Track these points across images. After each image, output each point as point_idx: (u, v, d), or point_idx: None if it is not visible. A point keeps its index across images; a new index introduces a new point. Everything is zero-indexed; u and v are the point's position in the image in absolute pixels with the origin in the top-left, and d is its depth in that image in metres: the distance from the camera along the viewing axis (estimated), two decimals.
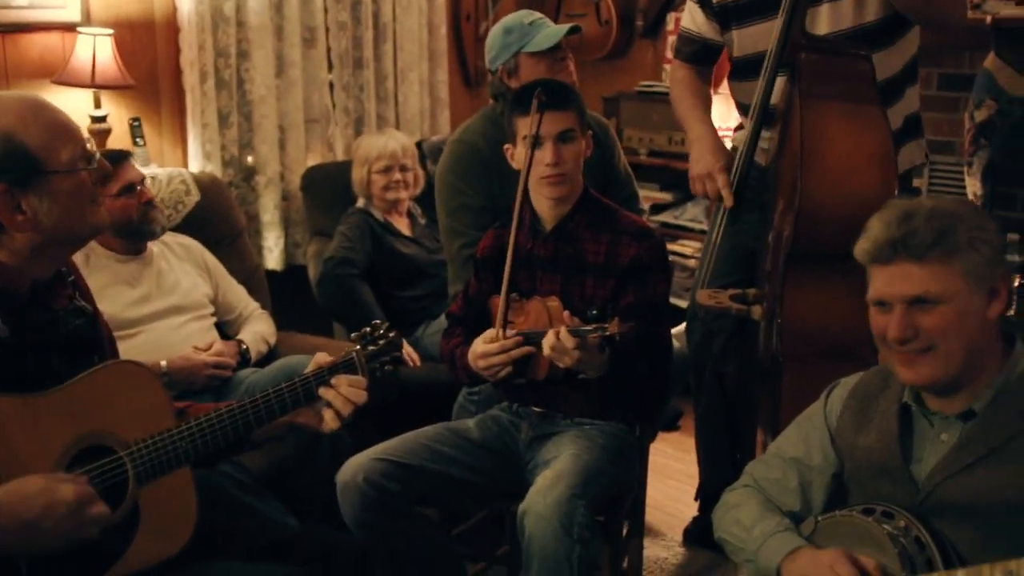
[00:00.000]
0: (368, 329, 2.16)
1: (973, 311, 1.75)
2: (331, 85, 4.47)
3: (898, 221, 1.77)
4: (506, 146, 2.63)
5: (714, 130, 2.98)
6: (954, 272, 1.74)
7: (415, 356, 3.61)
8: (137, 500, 1.85)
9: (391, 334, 2.17)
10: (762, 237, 2.77)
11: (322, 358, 2.09)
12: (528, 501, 2.31)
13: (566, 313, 2.38)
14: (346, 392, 2.03)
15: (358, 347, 2.11)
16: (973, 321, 1.75)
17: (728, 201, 2.74)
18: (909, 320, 1.76)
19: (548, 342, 2.31)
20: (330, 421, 2.04)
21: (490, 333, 2.49)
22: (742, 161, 2.70)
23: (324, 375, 2.05)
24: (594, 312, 2.29)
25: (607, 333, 2.24)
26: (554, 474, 2.36)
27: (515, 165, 2.59)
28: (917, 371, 1.78)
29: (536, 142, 2.48)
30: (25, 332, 1.83)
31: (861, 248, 1.82)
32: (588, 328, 2.27)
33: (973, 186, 3.80)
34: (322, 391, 2.04)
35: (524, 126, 2.51)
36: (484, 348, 2.47)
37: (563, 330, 2.29)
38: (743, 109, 2.99)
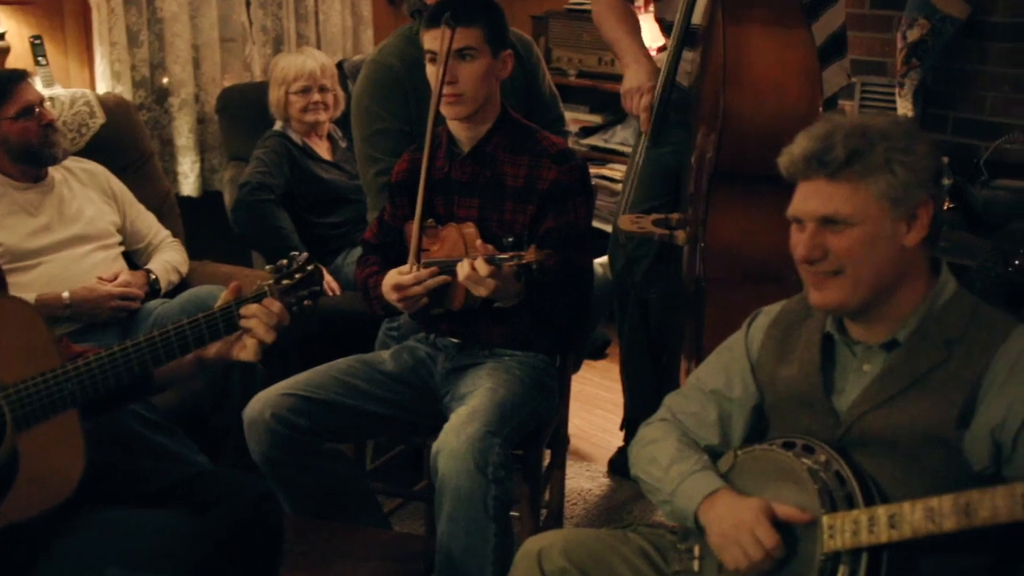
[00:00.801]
0: (285, 261, 2.02)
1: (886, 236, 1.66)
2: (248, 2, 4.27)
3: (819, 136, 1.69)
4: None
5: (646, 51, 2.89)
6: (867, 193, 1.65)
7: (335, 285, 3.50)
8: (16, 447, 1.72)
9: (309, 267, 2.03)
10: (685, 160, 2.69)
11: (227, 294, 1.96)
12: (441, 439, 2.23)
13: (479, 241, 2.28)
14: (264, 316, 1.91)
15: (271, 281, 1.98)
16: (886, 246, 1.67)
17: (643, 125, 2.65)
18: (819, 240, 1.68)
19: (463, 271, 2.21)
20: (250, 350, 1.93)
21: (404, 266, 2.38)
22: (664, 82, 2.61)
23: (231, 308, 1.92)
24: (510, 240, 2.19)
25: (523, 261, 2.15)
26: (468, 410, 2.27)
27: (429, 78, 2.47)
28: (824, 294, 1.71)
29: (434, 58, 2.37)
30: None
31: (782, 161, 1.74)
32: (504, 256, 2.18)
33: (904, 108, 3.74)
34: (242, 323, 1.91)
35: (428, 41, 2.40)
36: (398, 279, 2.37)
37: (479, 259, 2.19)
38: (666, 27, 2.89)
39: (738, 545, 1.69)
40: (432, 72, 2.39)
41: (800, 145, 1.70)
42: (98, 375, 1.79)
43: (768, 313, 1.92)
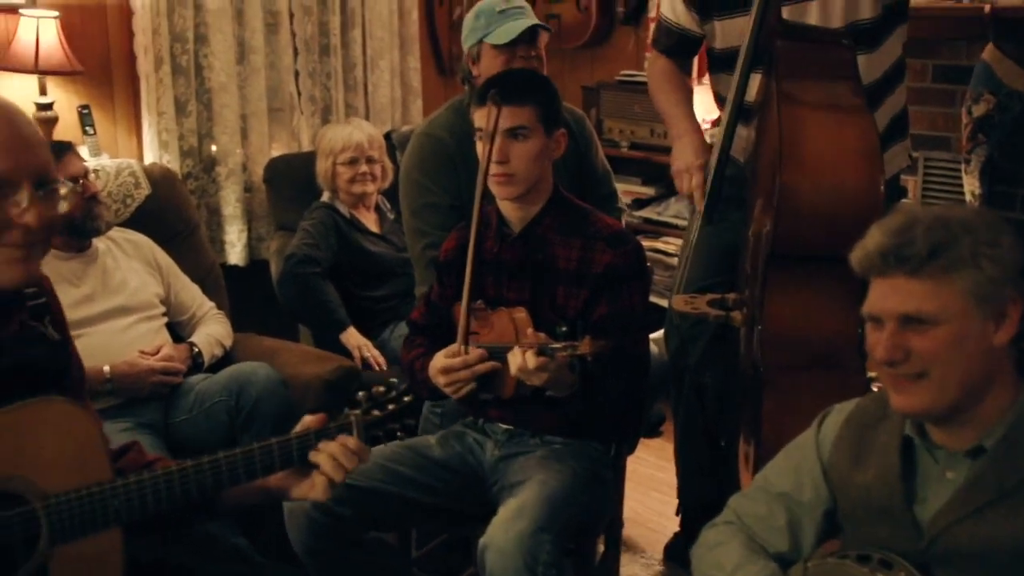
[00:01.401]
0: (382, 389, 1.83)
1: (974, 336, 1.55)
2: (296, 72, 4.26)
3: (897, 229, 1.58)
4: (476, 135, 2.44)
5: (697, 124, 2.82)
6: (953, 290, 1.54)
7: (381, 360, 3.45)
8: (47, 561, 1.58)
9: (406, 399, 1.83)
10: (741, 238, 2.59)
11: (311, 420, 1.79)
12: (490, 534, 2.12)
13: (531, 329, 2.19)
14: (341, 458, 1.72)
15: (358, 411, 1.78)
16: (974, 347, 1.55)
17: (699, 204, 2.57)
18: (900, 340, 1.57)
19: (514, 362, 2.12)
20: (320, 489, 1.74)
21: (453, 347, 2.29)
22: (718, 158, 2.52)
23: (310, 438, 1.74)
24: (563, 329, 2.10)
25: (577, 352, 2.05)
26: (518, 504, 2.17)
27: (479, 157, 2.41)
28: (907, 398, 1.59)
29: (483, 136, 2.31)
30: None
31: (856, 257, 1.63)
32: (557, 347, 2.08)
33: (971, 185, 3.62)
34: (312, 455, 1.73)
35: (477, 119, 2.33)
36: (445, 363, 2.27)
37: (530, 351, 2.10)
38: (721, 101, 2.81)
39: None
40: (481, 149, 2.32)
41: (875, 239, 1.59)
42: (149, 495, 1.64)
43: (841, 411, 1.81)
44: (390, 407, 1.80)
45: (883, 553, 1.62)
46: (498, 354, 2.22)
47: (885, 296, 1.59)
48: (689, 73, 2.97)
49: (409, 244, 3.13)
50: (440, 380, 2.29)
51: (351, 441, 1.73)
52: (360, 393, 1.80)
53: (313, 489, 1.75)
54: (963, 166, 3.64)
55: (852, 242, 1.64)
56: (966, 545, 1.56)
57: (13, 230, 1.52)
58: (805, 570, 1.71)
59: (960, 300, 1.54)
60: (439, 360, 2.30)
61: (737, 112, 2.48)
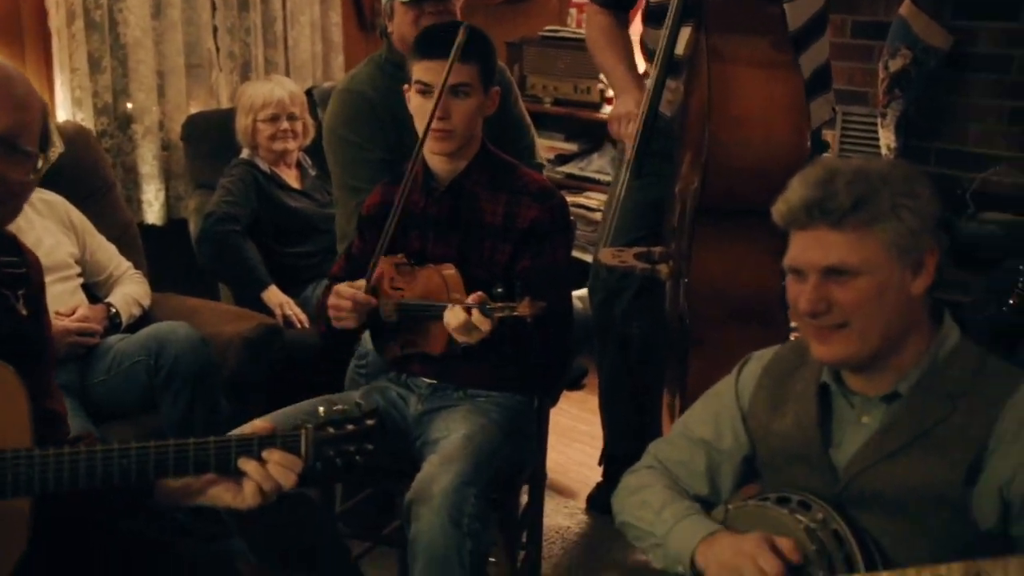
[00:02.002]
0: (342, 408, 1.74)
1: (894, 286, 1.58)
2: (215, 28, 4.16)
3: (818, 182, 1.59)
4: (405, 86, 2.40)
5: (639, 78, 2.81)
6: (874, 241, 1.57)
7: (303, 318, 3.41)
8: None
9: (368, 422, 1.74)
10: (668, 191, 2.60)
11: (260, 425, 1.72)
12: (415, 490, 2.12)
13: (461, 287, 2.17)
14: (274, 471, 1.64)
15: (310, 426, 1.70)
16: (893, 297, 1.58)
17: (627, 152, 2.57)
18: (823, 292, 1.59)
19: (455, 319, 2.11)
20: (249, 497, 1.65)
21: (359, 282, 2.31)
22: (646, 111, 2.52)
23: (252, 444, 1.65)
24: (499, 290, 2.09)
25: (515, 313, 2.04)
26: (442, 459, 2.17)
27: (410, 108, 2.38)
28: (829, 348, 1.62)
29: (427, 91, 2.28)
30: None
31: (778, 210, 1.64)
32: (495, 306, 2.07)
33: (887, 138, 3.68)
34: (242, 462, 1.64)
35: (419, 71, 2.30)
36: (340, 288, 2.32)
37: (475, 312, 2.09)
38: (650, 55, 2.81)
39: (739, 574, 1.59)
40: (419, 104, 2.31)
41: (798, 192, 1.60)
42: (66, 470, 1.55)
43: (759, 359, 1.83)
44: (348, 427, 1.72)
45: (802, 495, 1.65)
46: (430, 312, 2.21)
47: (808, 248, 1.60)
48: (627, 26, 2.95)
49: (340, 200, 3.09)
50: (330, 301, 2.32)
51: (289, 459, 1.66)
52: (320, 408, 1.74)
53: (240, 497, 1.67)
54: (879, 120, 3.70)
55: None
56: (880, 488, 1.59)
57: None
58: (727, 512, 1.74)
59: (882, 251, 1.56)
60: (339, 287, 2.33)
61: (667, 66, 2.47)
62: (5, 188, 1.52)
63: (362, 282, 2.30)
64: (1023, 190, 3.55)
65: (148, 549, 1.76)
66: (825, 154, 3.25)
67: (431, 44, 2.30)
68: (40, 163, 1.61)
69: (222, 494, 1.68)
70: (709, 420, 1.85)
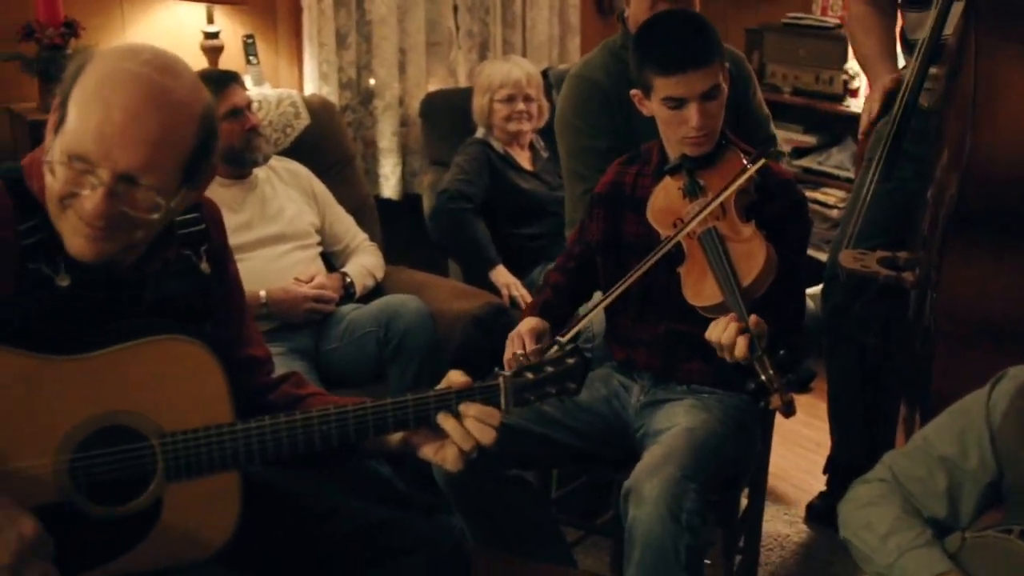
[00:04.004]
0: (540, 349, 1.72)
1: None
2: (455, 7, 4.23)
3: None
4: (633, 92, 2.35)
5: (895, 69, 2.67)
6: None
7: (529, 299, 3.41)
8: (161, 496, 1.57)
9: (570, 360, 1.72)
10: (921, 193, 2.45)
11: (456, 377, 1.69)
12: (634, 479, 2.08)
13: (752, 318, 1.98)
14: (472, 427, 1.64)
15: (509, 373, 1.68)
16: None
17: (877, 149, 2.44)
18: None
19: (728, 335, 1.96)
20: (450, 460, 1.66)
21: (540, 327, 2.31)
22: (903, 102, 2.37)
23: (451, 399, 1.65)
24: (782, 353, 1.94)
25: (769, 394, 1.92)
26: (663, 451, 2.12)
27: (646, 113, 2.33)
28: None
29: (679, 104, 2.22)
30: (89, 288, 1.56)
31: None
32: (764, 359, 1.93)
33: None
34: (441, 418, 1.65)
35: (663, 87, 2.22)
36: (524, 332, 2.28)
37: (743, 343, 1.95)
38: (909, 48, 2.66)
39: None
40: (669, 116, 2.24)
41: None
42: (269, 442, 1.60)
43: (1014, 378, 1.69)
44: (548, 369, 1.71)
45: None
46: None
47: None
48: (892, 14, 2.80)
49: (567, 186, 3.09)
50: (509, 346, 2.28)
51: (487, 411, 1.65)
52: (518, 353, 1.74)
53: (441, 455, 1.67)
54: None
55: None
56: None
57: (76, 207, 1.49)
58: (963, 542, 1.62)
59: None
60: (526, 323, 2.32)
61: (932, 50, 2.32)
62: (126, 221, 1.49)
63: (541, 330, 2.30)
64: None
65: (370, 523, 1.78)
66: None
67: (669, 59, 2.21)
68: (165, 202, 1.51)
69: (426, 449, 1.70)
70: (954, 437, 1.73)
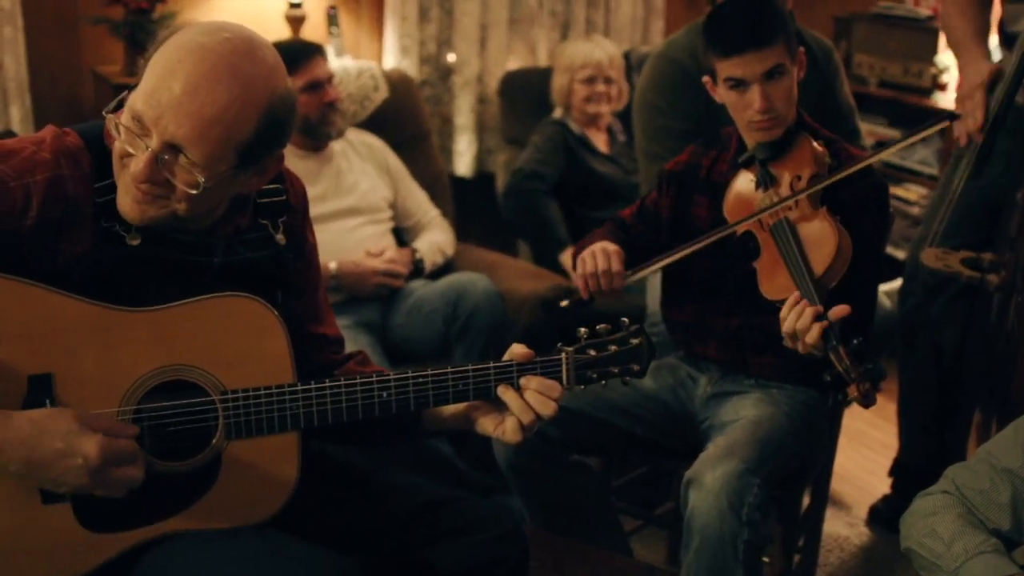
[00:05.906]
0: (606, 328, 1.68)
1: None
2: None
3: None
4: (705, 78, 2.30)
5: (985, 51, 2.59)
6: None
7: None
8: (220, 453, 1.58)
9: (633, 341, 1.70)
10: (1009, 193, 2.37)
11: (518, 349, 1.67)
12: (695, 470, 2.05)
13: (835, 310, 1.94)
14: (532, 400, 1.62)
15: (571, 348, 1.67)
16: None
17: (973, 125, 2.35)
18: None
19: (803, 321, 1.93)
20: (510, 433, 1.64)
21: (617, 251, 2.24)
22: (1001, 98, 2.29)
23: (512, 371, 1.64)
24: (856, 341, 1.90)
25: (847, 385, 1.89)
26: (728, 443, 2.09)
27: (717, 99, 2.29)
28: None
29: (740, 85, 2.17)
30: (159, 247, 1.57)
31: None
32: (841, 352, 1.89)
33: None
34: (501, 390, 1.64)
35: (724, 69, 2.18)
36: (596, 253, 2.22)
37: (816, 330, 1.92)
38: (1007, 41, 2.57)
39: None
40: (735, 99, 2.19)
41: None
42: (329, 404, 1.60)
43: None
44: (611, 348, 1.69)
45: None
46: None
47: None
48: (988, 6, 2.71)
49: (641, 166, 3.05)
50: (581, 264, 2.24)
51: (548, 384, 1.64)
52: (581, 329, 1.69)
53: (501, 428, 1.66)
54: None
55: None
56: None
57: (130, 166, 1.50)
58: None
59: None
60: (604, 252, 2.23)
61: None
62: (167, 189, 1.49)
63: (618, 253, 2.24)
64: None
65: (431, 501, 1.77)
66: None
67: (728, 40, 2.17)
68: (205, 180, 1.47)
69: (486, 423, 1.69)
70: (1018, 449, 1.68)
